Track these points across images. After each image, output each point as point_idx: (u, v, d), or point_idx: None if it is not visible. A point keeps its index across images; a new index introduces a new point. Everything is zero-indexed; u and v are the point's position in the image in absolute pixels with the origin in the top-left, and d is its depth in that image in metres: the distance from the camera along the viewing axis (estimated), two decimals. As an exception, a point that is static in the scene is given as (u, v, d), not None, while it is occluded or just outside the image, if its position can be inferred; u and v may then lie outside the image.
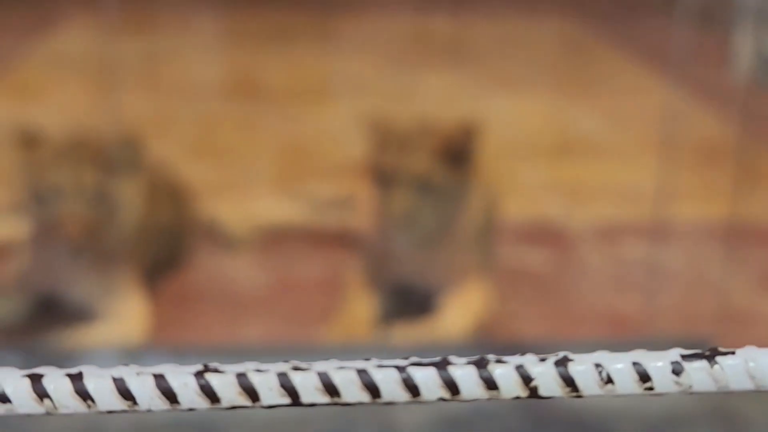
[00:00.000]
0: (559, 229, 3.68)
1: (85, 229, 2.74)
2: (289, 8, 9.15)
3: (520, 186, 4.15)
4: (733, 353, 0.43)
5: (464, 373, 0.42)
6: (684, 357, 0.43)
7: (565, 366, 0.43)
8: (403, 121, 2.96)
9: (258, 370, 0.41)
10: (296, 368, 0.42)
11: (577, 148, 4.74)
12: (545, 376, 0.43)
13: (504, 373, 0.43)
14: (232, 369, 0.41)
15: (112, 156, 2.74)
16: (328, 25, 8.20)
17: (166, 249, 3.11)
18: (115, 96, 2.42)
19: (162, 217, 3.04)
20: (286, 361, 0.42)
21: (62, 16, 8.23)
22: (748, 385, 0.42)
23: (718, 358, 0.43)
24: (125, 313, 2.69)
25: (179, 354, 2.44)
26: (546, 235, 3.61)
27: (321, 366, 0.41)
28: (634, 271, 3.33)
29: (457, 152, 2.83)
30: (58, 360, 2.39)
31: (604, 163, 4.50)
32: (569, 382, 0.43)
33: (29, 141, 2.75)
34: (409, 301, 3.05)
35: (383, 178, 2.80)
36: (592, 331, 2.91)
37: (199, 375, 0.41)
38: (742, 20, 5.61)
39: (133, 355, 2.42)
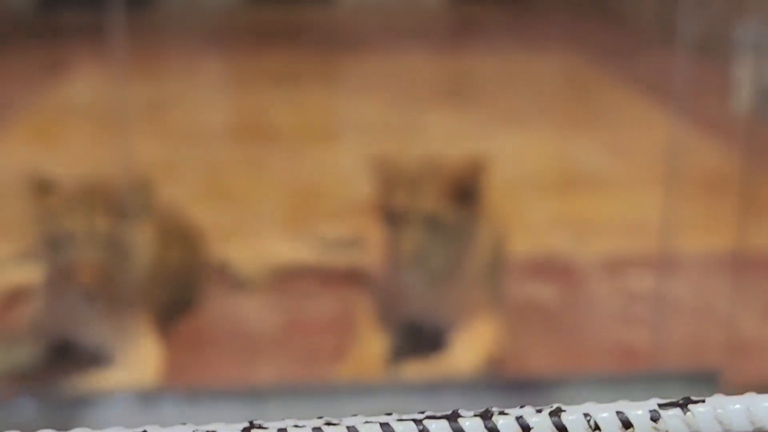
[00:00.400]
0: (566, 263, 3.68)
1: (98, 275, 2.75)
2: (295, 51, 9.21)
3: (527, 221, 4.15)
4: (703, 401, 0.50)
5: (472, 424, 0.48)
6: (660, 406, 0.51)
7: (559, 416, 0.49)
8: (410, 160, 2.98)
9: (296, 426, 0.47)
10: (328, 423, 0.48)
11: (582, 182, 4.75)
12: (541, 425, 0.49)
13: (506, 423, 0.49)
14: (274, 425, 0.47)
15: (123, 201, 2.76)
16: (334, 66, 8.25)
17: (178, 292, 3.11)
18: (125, 141, 2.43)
19: (173, 261, 3.05)
20: (320, 417, 0.48)
21: (73, 61, 8.31)
22: (717, 428, 0.49)
23: (690, 406, 0.50)
24: (139, 357, 2.69)
25: (193, 397, 2.43)
26: (554, 270, 3.61)
27: (349, 421, 0.48)
28: (641, 304, 3.32)
29: (466, 190, 2.85)
30: (73, 405, 2.39)
31: (610, 197, 4.50)
32: (562, 429, 0.49)
33: (42, 188, 2.76)
34: (420, 339, 3.04)
35: (393, 217, 2.82)
36: (601, 364, 2.89)
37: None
38: (742, 53, 5.63)
39: (147, 399, 2.41)
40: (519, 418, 0.49)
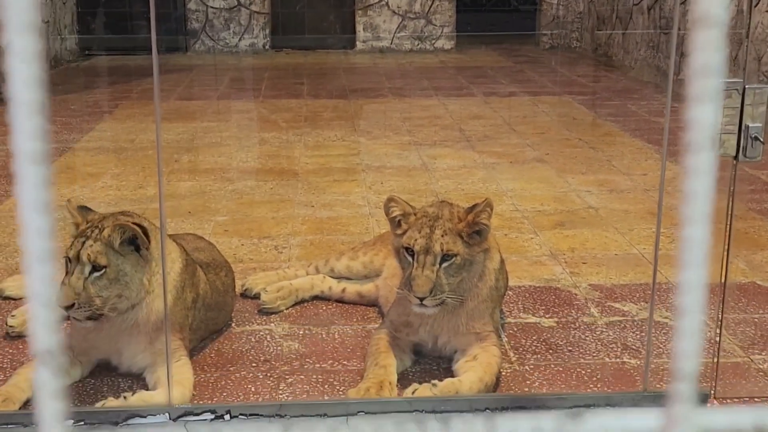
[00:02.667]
0: (564, 293, 3.70)
1: (136, 302, 2.79)
2: (317, 93, 9.29)
3: (528, 254, 4.18)
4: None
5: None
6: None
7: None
8: (427, 201, 3.02)
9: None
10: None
11: (578, 218, 4.77)
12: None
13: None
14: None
15: (153, 233, 2.80)
16: (352, 108, 8.32)
17: (207, 318, 3.14)
18: (159, 177, 2.48)
19: (201, 288, 3.08)
20: None
21: (115, 104, 8.40)
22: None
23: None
24: (173, 378, 2.72)
25: (220, 415, 2.46)
26: (553, 299, 3.63)
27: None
28: (634, 330, 3.34)
29: (478, 229, 2.90)
30: (112, 422, 2.42)
31: (604, 232, 4.52)
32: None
33: (80, 221, 2.83)
34: (430, 363, 3.07)
35: (410, 253, 2.86)
36: (597, 387, 2.91)
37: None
38: (727, 97, 5.64)
39: (180, 417, 2.44)
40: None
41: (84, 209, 2.90)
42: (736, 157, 2.68)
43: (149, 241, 2.76)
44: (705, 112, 0.42)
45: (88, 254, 2.70)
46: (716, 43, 0.41)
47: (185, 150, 6.49)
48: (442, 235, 2.85)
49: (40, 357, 0.41)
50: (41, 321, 0.40)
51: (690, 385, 0.46)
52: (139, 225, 2.74)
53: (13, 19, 0.39)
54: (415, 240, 2.85)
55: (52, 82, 10.02)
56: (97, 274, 2.70)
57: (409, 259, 2.87)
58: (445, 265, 2.85)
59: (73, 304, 2.68)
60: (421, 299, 2.83)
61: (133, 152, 6.43)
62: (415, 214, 2.92)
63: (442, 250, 2.83)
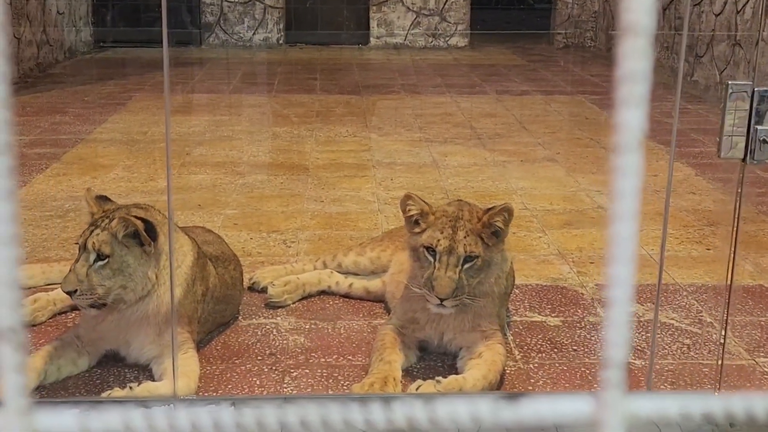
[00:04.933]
0: (571, 292, 3.70)
1: (143, 294, 2.81)
2: (329, 89, 9.30)
3: (536, 252, 4.18)
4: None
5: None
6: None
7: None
8: (437, 198, 3.03)
9: None
10: None
11: (588, 218, 4.77)
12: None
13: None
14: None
15: (162, 228, 2.81)
16: (365, 105, 8.32)
17: (215, 311, 3.16)
18: (169, 170, 2.51)
19: (211, 281, 3.10)
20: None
21: (128, 97, 8.43)
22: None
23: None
24: (179, 370, 2.74)
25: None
26: (559, 298, 3.63)
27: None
28: (641, 331, 3.34)
29: (495, 231, 2.91)
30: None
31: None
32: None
33: (97, 203, 2.86)
34: (435, 359, 3.08)
35: (430, 253, 2.86)
36: (599, 385, 2.91)
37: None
38: (736, 99, 5.63)
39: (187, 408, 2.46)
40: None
41: (102, 199, 2.93)
42: (744, 160, 2.68)
43: (156, 237, 2.77)
44: (632, 116, 0.44)
45: (94, 243, 2.72)
46: (643, 51, 0.43)
47: (197, 143, 6.51)
48: (465, 237, 2.84)
49: (3, 334, 0.43)
50: (4, 300, 0.43)
51: (618, 372, 0.49)
52: (145, 220, 2.75)
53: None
54: (438, 240, 2.85)
55: (66, 73, 10.06)
56: (101, 263, 2.73)
57: (430, 258, 2.87)
58: (466, 266, 2.85)
59: (75, 290, 2.71)
60: (442, 300, 2.83)
61: (146, 144, 6.45)
62: (434, 214, 2.92)
63: (465, 251, 2.84)
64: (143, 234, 2.72)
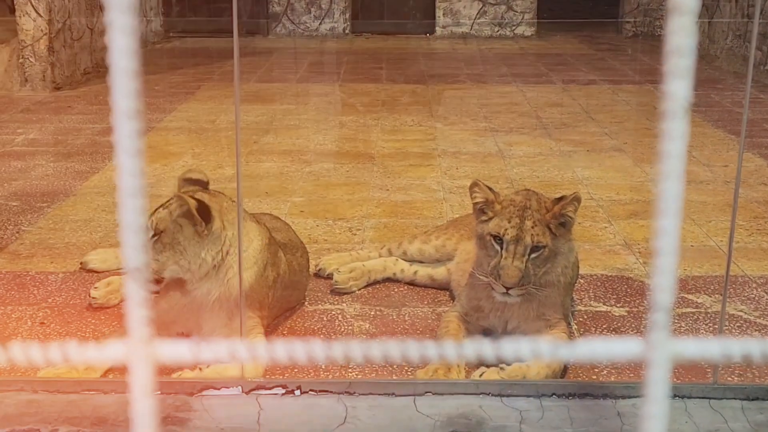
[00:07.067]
0: (637, 283, 3.68)
1: (201, 275, 2.88)
2: (395, 78, 9.33)
3: (602, 242, 4.16)
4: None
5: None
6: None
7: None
8: (502, 188, 3.03)
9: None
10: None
11: (654, 208, 4.72)
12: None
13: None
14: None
15: (220, 213, 2.87)
16: (431, 94, 8.34)
17: (283, 296, 3.21)
18: (239, 158, 2.55)
19: (282, 268, 3.15)
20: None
21: (198, 85, 8.57)
22: None
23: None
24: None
25: (291, 390, 2.53)
26: (625, 288, 3.61)
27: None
28: (707, 322, 3.31)
29: (563, 221, 2.91)
30: (188, 392, 2.51)
31: (682, 223, 4.46)
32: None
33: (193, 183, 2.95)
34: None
35: (497, 242, 2.87)
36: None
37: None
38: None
39: (252, 390, 2.52)
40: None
41: (194, 182, 3.03)
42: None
43: (209, 220, 2.82)
44: (678, 86, 0.51)
45: (153, 220, 2.82)
46: (688, 29, 0.48)
47: (264, 131, 6.59)
48: (533, 226, 2.85)
49: (130, 273, 0.51)
50: (131, 244, 0.48)
51: (665, 315, 0.54)
52: (199, 201, 2.81)
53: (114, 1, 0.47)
54: (505, 229, 2.86)
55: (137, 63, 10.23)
56: (155, 238, 2.82)
57: (497, 247, 2.88)
58: (533, 256, 2.86)
59: None
60: (508, 288, 2.85)
61: (214, 132, 6.56)
62: (501, 203, 2.93)
63: (532, 241, 2.84)
64: (195, 214, 2.78)
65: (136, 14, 0.51)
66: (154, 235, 2.82)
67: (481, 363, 2.81)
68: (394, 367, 2.94)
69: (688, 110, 0.51)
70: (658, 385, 0.55)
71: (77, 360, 0.53)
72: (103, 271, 3.69)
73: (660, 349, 0.54)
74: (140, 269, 0.51)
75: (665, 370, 0.55)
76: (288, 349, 0.54)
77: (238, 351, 0.54)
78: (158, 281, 2.86)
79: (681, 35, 0.51)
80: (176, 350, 0.53)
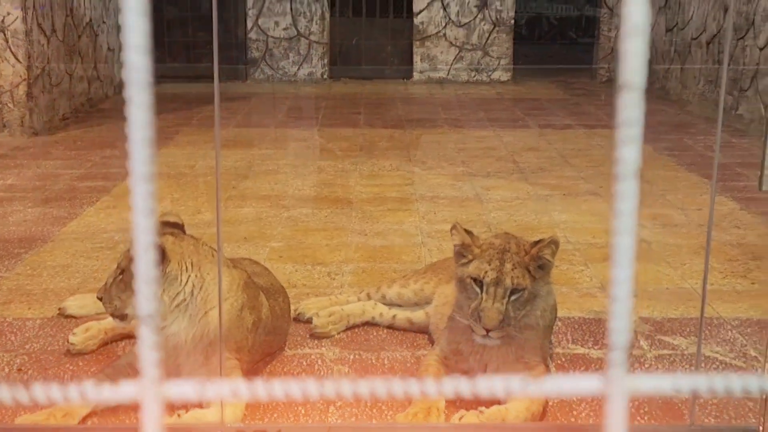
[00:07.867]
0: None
1: (174, 318, 2.89)
2: (373, 123, 9.41)
3: (579, 285, 4.20)
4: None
5: None
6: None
7: None
8: (480, 232, 3.06)
9: None
10: None
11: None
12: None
13: None
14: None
15: (175, 254, 2.89)
16: (407, 138, 8.41)
17: (264, 341, 3.22)
18: (214, 203, 2.57)
19: (263, 312, 3.16)
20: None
21: (176, 131, 8.60)
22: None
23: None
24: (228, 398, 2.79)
25: (272, 435, 2.53)
26: (602, 331, 3.65)
27: None
28: (683, 364, 3.34)
29: (542, 264, 2.94)
30: (168, 439, 2.50)
31: (657, 266, 4.52)
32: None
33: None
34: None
35: (477, 284, 2.90)
36: (644, 420, 2.92)
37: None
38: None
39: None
40: None
41: (171, 225, 3.06)
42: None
43: (162, 261, 2.85)
44: (628, 152, 0.59)
45: (120, 259, 2.96)
46: (636, 102, 0.58)
47: (243, 177, 6.62)
48: (512, 269, 2.88)
49: (143, 320, 0.57)
50: (144, 294, 0.52)
51: (622, 354, 0.62)
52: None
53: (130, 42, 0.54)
54: (485, 272, 2.89)
55: (116, 108, 10.29)
56: (120, 277, 2.87)
57: (477, 289, 2.91)
58: (513, 298, 2.89)
59: (101, 298, 2.97)
60: (488, 331, 2.87)
61: (192, 178, 6.58)
62: (480, 246, 2.96)
63: (512, 283, 2.87)
64: None
65: (145, 54, 0.57)
66: (119, 274, 2.89)
67: (461, 407, 2.82)
68: (374, 410, 2.95)
69: (637, 173, 0.58)
70: (616, 417, 0.62)
71: (93, 399, 0.57)
72: (81, 317, 3.68)
73: (617, 385, 0.61)
74: (152, 316, 0.54)
75: (623, 404, 0.62)
76: (285, 388, 0.58)
77: (241, 389, 0.59)
78: (122, 317, 2.91)
79: (630, 109, 0.58)
80: (182, 389, 0.57)
